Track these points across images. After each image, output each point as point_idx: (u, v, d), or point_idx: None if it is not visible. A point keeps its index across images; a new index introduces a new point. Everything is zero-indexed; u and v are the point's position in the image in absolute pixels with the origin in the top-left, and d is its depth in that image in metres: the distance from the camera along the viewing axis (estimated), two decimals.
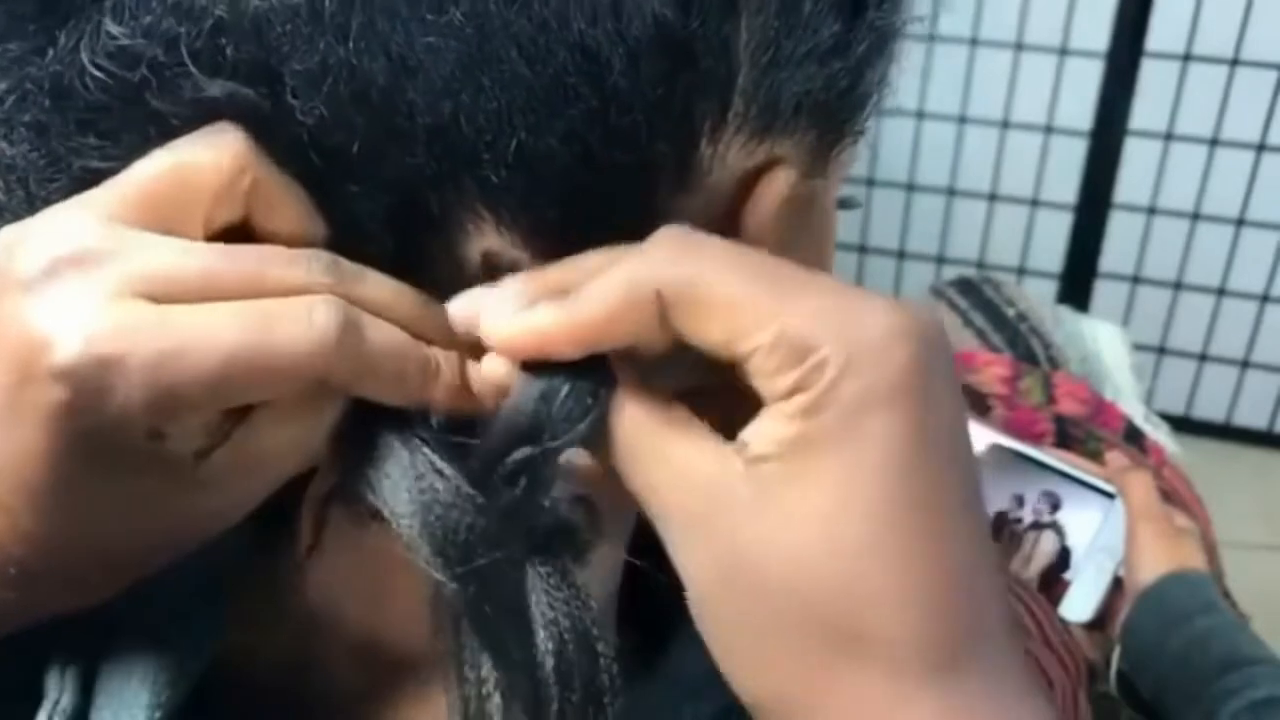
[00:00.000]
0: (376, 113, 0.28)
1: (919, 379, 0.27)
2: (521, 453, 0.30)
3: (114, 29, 0.29)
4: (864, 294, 0.28)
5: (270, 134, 0.29)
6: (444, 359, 0.31)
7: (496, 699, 0.30)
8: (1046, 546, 0.94)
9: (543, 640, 0.30)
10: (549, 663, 0.30)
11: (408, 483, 0.30)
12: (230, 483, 0.31)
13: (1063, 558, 0.93)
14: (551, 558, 0.31)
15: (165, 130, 0.30)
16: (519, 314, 0.29)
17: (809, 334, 0.27)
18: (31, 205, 0.30)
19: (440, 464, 0.30)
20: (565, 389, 0.30)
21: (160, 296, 0.28)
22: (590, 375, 0.30)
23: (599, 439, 0.30)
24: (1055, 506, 0.95)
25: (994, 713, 0.28)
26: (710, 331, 0.28)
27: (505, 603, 0.30)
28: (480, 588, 0.30)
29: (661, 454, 0.29)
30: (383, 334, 0.29)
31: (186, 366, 0.27)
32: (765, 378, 0.28)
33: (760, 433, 0.28)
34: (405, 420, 0.31)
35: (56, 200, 0.30)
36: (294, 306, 0.28)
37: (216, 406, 0.29)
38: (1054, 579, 0.93)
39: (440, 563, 0.29)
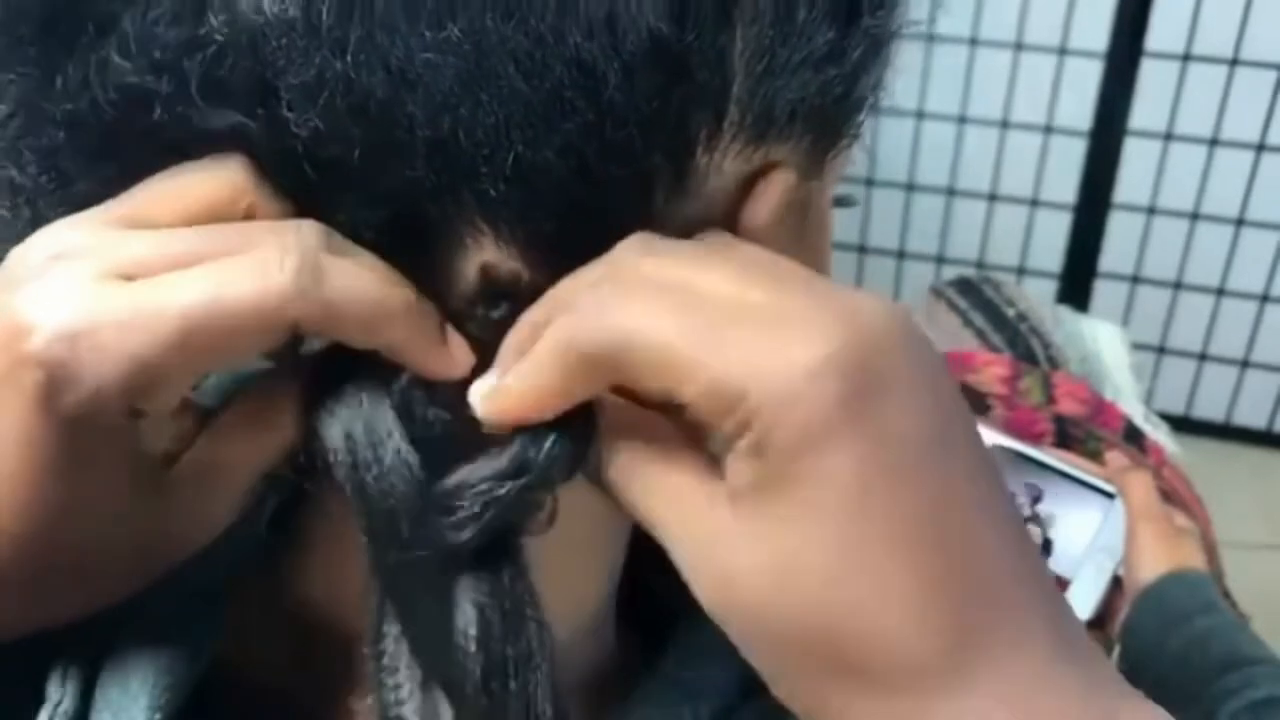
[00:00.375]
0: (374, 125, 0.28)
1: (857, 405, 0.27)
2: (501, 487, 0.29)
3: (122, 64, 0.29)
4: (797, 320, 0.27)
5: (264, 146, 0.30)
6: (420, 308, 0.31)
7: (407, 672, 0.30)
8: None
9: (463, 618, 0.30)
10: (468, 641, 0.29)
11: (359, 431, 0.30)
12: (194, 493, 0.32)
13: (1044, 549, 0.93)
14: (486, 559, 0.30)
15: (175, 157, 0.30)
16: (486, 391, 0.30)
17: (736, 381, 0.27)
18: (37, 225, 0.30)
19: (399, 437, 0.30)
20: (552, 436, 0.30)
21: (141, 277, 0.28)
22: (575, 419, 0.30)
23: (588, 470, 0.30)
24: (1036, 499, 0.95)
25: (1031, 715, 0.27)
26: (647, 383, 0.28)
27: (425, 579, 0.30)
28: (401, 562, 0.30)
29: (654, 486, 0.30)
30: (348, 276, 0.29)
31: (149, 330, 0.28)
32: (708, 420, 0.28)
33: (731, 468, 0.28)
34: (383, 385, 0.31)
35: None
36: (250, 258, 0.29)
37: (189, 369, 0.29)
38: None
39: (364, 524, 0.30)
